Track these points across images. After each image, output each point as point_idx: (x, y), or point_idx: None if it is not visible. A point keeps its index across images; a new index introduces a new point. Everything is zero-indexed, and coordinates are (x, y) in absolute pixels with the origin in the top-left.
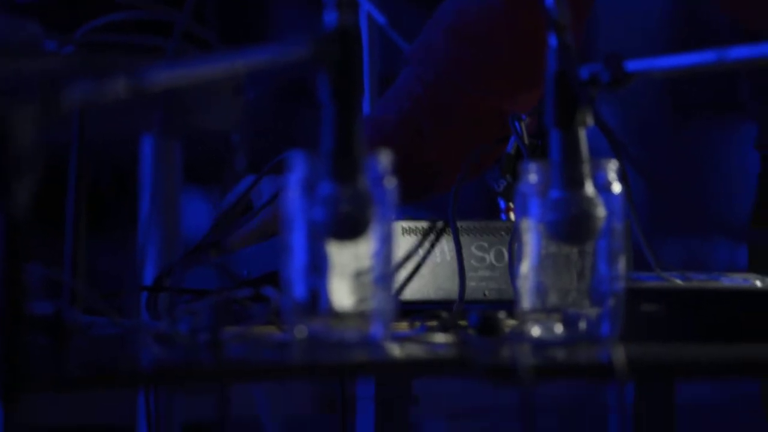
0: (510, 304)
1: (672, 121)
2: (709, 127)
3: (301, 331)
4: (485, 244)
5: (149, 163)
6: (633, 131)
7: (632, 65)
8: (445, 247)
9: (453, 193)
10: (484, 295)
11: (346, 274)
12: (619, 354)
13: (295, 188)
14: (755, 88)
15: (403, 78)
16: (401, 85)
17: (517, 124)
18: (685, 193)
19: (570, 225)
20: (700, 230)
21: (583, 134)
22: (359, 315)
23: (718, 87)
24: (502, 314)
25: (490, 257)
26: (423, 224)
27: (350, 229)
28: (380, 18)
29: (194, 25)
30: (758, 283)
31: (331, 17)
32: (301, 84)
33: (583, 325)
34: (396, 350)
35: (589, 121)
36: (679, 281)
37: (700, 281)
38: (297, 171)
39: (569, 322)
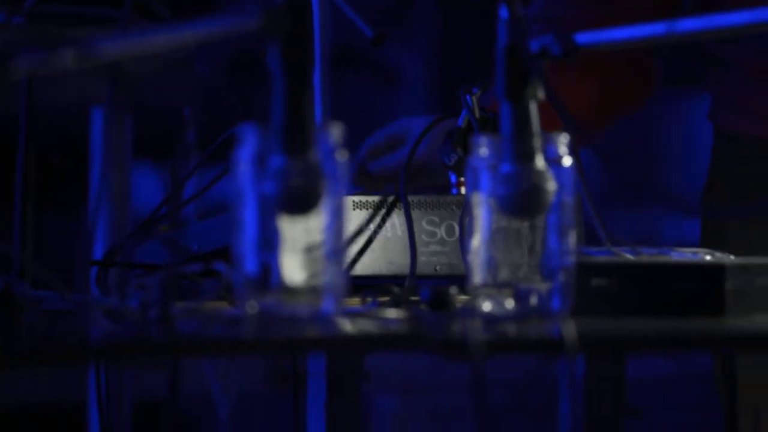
0: (461, 279)
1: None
2: (663, 100)
3: (252, 306)
4: (436, 219)
5: (99, 137)
6: None
7: (582, 37)
8: (396, 221)
9: (404, 167)
10: (436, 270)
11: (297, 249)
12: (569, 328)
13: (245, 162)
14: (710, 59)
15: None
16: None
17: (468, 97)
18: (637, 167)
19: (520, 199)
20: (652, 204)
21: (534, 107)
22: (311, 290)
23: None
24: (453, 289)
25: (442, 232)
26: (374, 199)
27: (301, 203)
28: None
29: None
30: (708, 258)
31: None
32: (254, 56)
33: (534, 299)
34: (347, 325)
35: (540, 94)
36: (629, 256)
37: (650, 256)
38: (247, 145)
39: (520, 297)
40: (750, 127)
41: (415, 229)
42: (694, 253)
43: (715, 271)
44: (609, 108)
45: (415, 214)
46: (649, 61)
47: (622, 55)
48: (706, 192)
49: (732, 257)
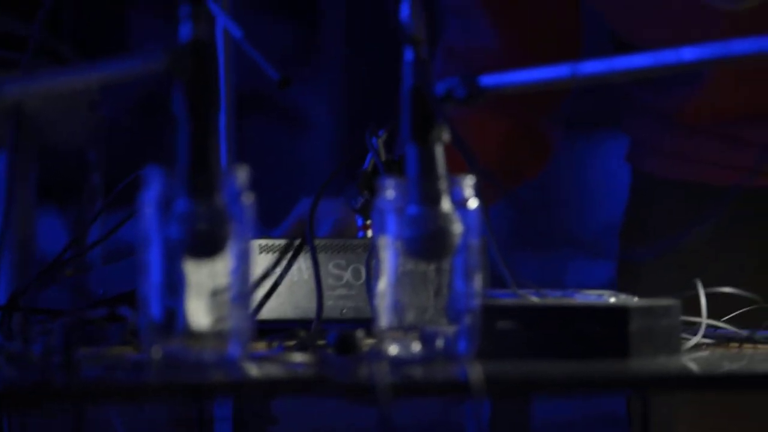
0: (368, 323)
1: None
2: (578, 141)
3: (157, 351)
4: (343, 262)
5: (2, 181)
6: None
7: (486, 80)
8: (303, 265)
9: (310, 210)
10: (342, 313)
11: (203, 293)
12: (475, 371)
13: (150, 205)
14: (627, 101)
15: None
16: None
17: (374, 140)
18: (549, 209)
19: (426, 241)
20: (562, 246)
21: (439, 150)
22: (216, 334)
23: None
24: (360, 333)
25: (348, 275)
26: (280, 242)
27: (206, 247)
28: (236, 32)
29: (49, 39)
30: (612, 300)
31: (185, 30)
32: (160, 99)
33: (440, 342)
34: (254, 370)
35: (446, 136)
36: (534, 298)
37: (554, 298)
38: (152, 188)
39: (426, 340)
40: (667, 170)
41: (322, 273)
42: (599, 296)
43: (619, 313)
44: (506, 175)
45: (321, 257)
46: (545, 129)
47: (520, 123)
48: (622, 233)
49: (636, 299)
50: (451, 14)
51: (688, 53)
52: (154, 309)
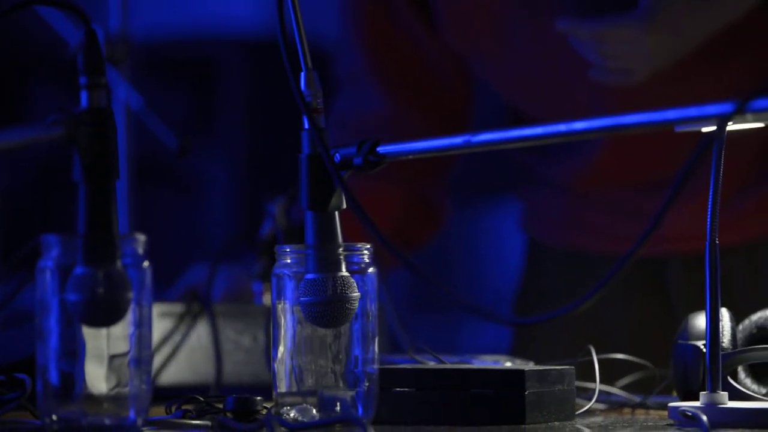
0: (267, 388)
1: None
2: (473, 208)
3: (54, 416)
4: (242, 328)
5: None
6: None
7: (384, 149)
8: (201, 330)
9: (208, 277)
10: (241, 378)
11: (102, 358)
12: None
13: (48, 271)
14: (522, 170)
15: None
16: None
17: (272, 206)
18: (443, 274)
19: (324, 307)
20: (457, 312)
21: (336, 217)
22: (115, 399)
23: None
24: (258, 398)
25: (247, 340)
26: (178, 307)
27: (106, 313)
28: (136, 101)
29: None
30: (508, 364)
31: (84, 98)
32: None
33: (338, 407)
34: None
35: (343, 203)
36: (430, 363)
37: (451, 363)
38: (50, 254)
39: (325, 405)
40: (559, 238)
41: (221, 338)
42: (495, 360)
43: (515, 377)
44: (398, 241)
45: (220, 323)
46: (436, 198)
47: (411, 192)
48: (515, 299)
49: (532, 364)
50: (343, 83)
51: (580, 125)
52: (52, 374)
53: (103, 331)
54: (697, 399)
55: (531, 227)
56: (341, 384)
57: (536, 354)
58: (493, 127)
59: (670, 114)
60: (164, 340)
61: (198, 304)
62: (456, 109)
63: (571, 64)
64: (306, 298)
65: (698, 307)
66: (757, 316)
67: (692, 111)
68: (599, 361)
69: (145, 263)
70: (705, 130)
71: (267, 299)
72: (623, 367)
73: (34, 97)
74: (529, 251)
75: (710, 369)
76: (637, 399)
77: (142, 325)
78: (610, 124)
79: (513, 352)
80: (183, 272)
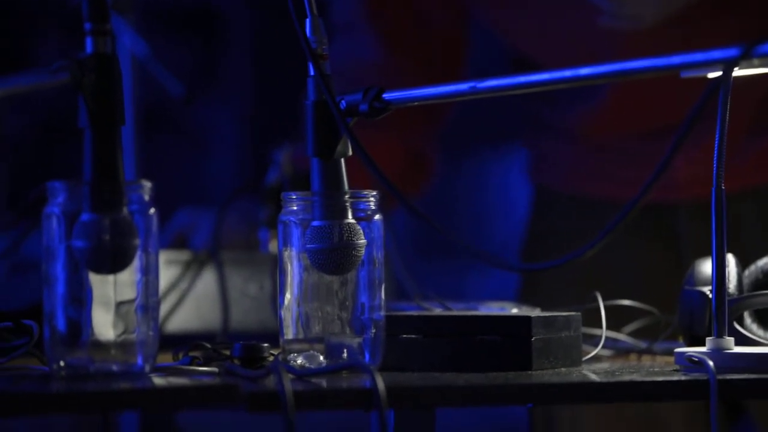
0: (273, 335)
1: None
2: (481, 155)
3: (62, 362)
4: (248, 275)
5: None
6: None
7: (390, 95)
8: (208, 278)
9: (215, 224)
10: (248, 326)
11: (109, 305)
12: (380, 382)
13: (55, 218)
14: (529, 118)
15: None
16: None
17: (278, 154)
18: (449, 221)
19: (331, 254)
20: (464, 259)
21: (342, 164)
22: (122, 345)
23: (489, 114)
24: (265, 345)
25: (253, 288)
26: (185, 255)
27: (112, 260)
28: (141, 48)
29: None
30: (514, 311)
31: (89, 44)
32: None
33: (345, 354)
34: (159, 381)
35: (349, 150)
36: (437, 310)
37: (457, 310)
38: (57, 200)
39: (332, 352)
40: (566, 185)
41: (228, 286)
42: (501, 308)
43: (521, 323)
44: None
45: (227, 270)
46: (426, 151)
47: (403, 143)
48: (522, 246)
49: (539, 310)
50: (338, 30)
51: (586, 71)
52: (59, 321)
53: (110, 277)
54: (703, 345)
55: (538, 174)
56: (348, 331)
57: (543, 301)
58: (490, 75)
59: (676, 59)
60: (171, 287)
61: (205, 252)
62: (451, 57)
63: (581, 10)
64: (312, 245)
65: (706, 254)
66: (764, 262)
67: (698, 56)
68: (606, 307)
69: (152, 210)
70: (711, 75)
71: (273, 246)
72: (630, 314)
73: (38, 45)
74: (535, 198)
75: (716, 314)
76: (643, 345)
77: (149, 272)
78: (615, 69)
79: (520, 299)
80: (169, 218)
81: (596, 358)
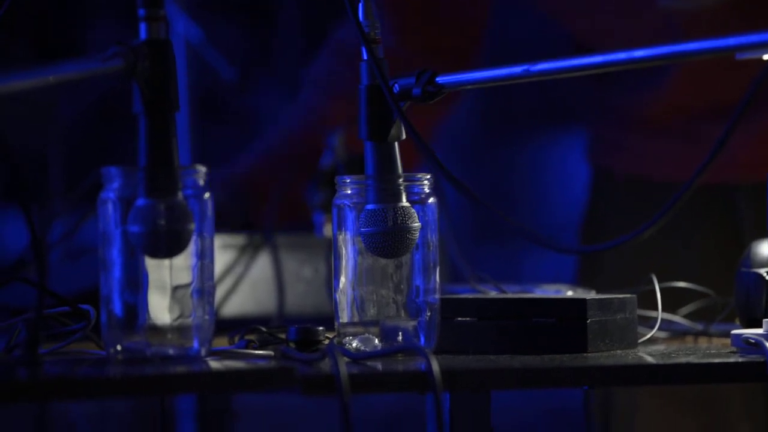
0: (328, 318)
1: (500, 131)
2: (539, 139)
3: (119, 346)
4: (303, 259)
5: None
6: (458, 143)
7: (443, 79)
8: (263, 262)
9: (271, 208)
10: (303, 309)
11: (165, 289)
12: (435, 365)
13: (110, 203)
14: (588, 98)
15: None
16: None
17: (332, 137)
18: (507, 205)
19: (385, 238)
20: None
21: (396, 147)
22: (178, 329)
23: (549, 98)
24: (320, 328)
25: (308, 272)
26: (240, 239)
27: (168, 245)
28: (196, 33)
29: (7, 41)
30: (570, 293)
31: (143, 30)
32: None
33: (400, 337)
34: (215, 364)
35: (402, 134)
36: (492, 293)
37: (513, 293)
38: (113, 186)
39: (387, 335)
40: (625, 167)
41: (283, 269)
42: (557, 290)
43: (577, 306)
44: None
45: (282, 254)
46: None
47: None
48: (580, 229)
49: (594, 293)
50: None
51: (640, 53)
52: (116, 305)
53: (166, 262)
54: (760, 326)
55: (596, 156)
56: (403, 314)
57: (600, 283)
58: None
59: (731, 41)
60: (227, 271)
61: (260, 236)
62: (464, 44)
63: None
64: (367, 229)
65: (764, 236)
66: None
67: (753, 37)
68: (662, 289)
69: (206, 195)
70: (767, 57)
71: (328, 230)
72: (686, 296)
73: (93, 31)
74: (593, 180)
75: None
76: (699, 327)
77: (204, 257)
78: (670, 51)
79: (577, 282)
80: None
81: (652, 341)
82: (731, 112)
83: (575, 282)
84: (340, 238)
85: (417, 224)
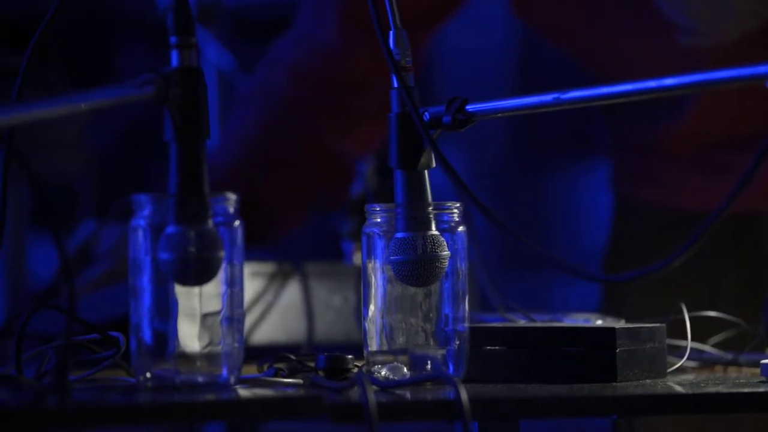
0: (357, 346)
1: (526, 161)
2: (565, 168)
3: (148, 374)
4: (332, 287)
5: None
6: (483, 172)
7: (473, 107)
8: (292, 290)
9: (300, 236)
10: (332, 337)
11: (195, 316)
12: (464, 394)
13: (141, 231)
14: (611, 128)
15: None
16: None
17: (362, 165)
18: (535, 234)
19: (415, 266)
20: (548, 270)
21: (426, 175)
22: (207, 357)
23: (573, 128)
24: (349, 356)
25: (338, 300)
26: (270, 267)
27: (198, 272)
28: (227, 62)
29: (38, 68)
30: (599, 322)
31: (174, 58)
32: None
33: (429, 365)
34: (245, 392)
35: (432, 162)
36: (521, 321)
37: (542, 321)
38: (143, 213)
39: (416, 363)
40: (649, 196)
41: (312, 297)
42: (585, 319)
43: (607, 335)
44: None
45: (311, 282)
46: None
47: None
48: (605, 257)
49: (623, 322)
50: (300, 7)
51: (670, 81)
52: (146, 333)
53: (196, 289)
54: None
55: (621, 185)
56: (432, 342)
57: (627, 312)
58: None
59: (761, 69)
60: (256, 299)
61: (289, 264)
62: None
63: (658, 27)
64: (396, 257)
65: None
66: None
67: None
68: (691, 318)
69: (236, 222)
70: None
71: (357, 258)
72: (715, 325)
73: (123, 58)
74: (618, 209)
75: None
76: (729, 356)
77: (234, 284)
78: (700, 79)
79: (604, 311)
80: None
81: (681, 370)
82: (753, 141)
83: (602, 311)
84: (370, 266)
85: (446, 252)
